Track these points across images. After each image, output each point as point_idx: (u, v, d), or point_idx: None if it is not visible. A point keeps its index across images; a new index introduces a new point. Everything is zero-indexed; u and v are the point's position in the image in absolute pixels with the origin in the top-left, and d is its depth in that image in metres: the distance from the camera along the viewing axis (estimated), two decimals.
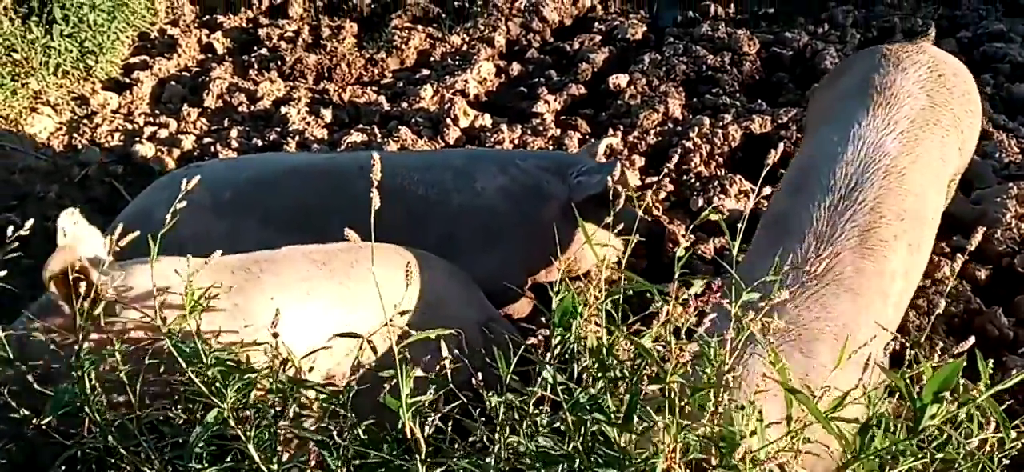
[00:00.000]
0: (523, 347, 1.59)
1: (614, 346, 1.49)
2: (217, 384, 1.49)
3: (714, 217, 1.68)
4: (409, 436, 1.17)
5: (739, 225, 1.64)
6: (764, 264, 2.11)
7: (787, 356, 2.08)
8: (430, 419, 1.85)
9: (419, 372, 1.87)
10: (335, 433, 1.68)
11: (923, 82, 2.74)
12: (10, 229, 1.93)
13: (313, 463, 1.45)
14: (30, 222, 2.00)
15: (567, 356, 1.62)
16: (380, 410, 1.86)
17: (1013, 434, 1.30)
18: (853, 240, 2.33)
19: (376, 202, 1.32)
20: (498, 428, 1.56)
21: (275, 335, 1.60)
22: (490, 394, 1.66)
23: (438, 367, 1.79)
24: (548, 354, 1.60)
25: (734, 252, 1.63)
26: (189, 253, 2.26)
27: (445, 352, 1.81)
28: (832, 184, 2.42)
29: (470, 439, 1.72)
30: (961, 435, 1.30)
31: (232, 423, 1.42)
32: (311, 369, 2.01)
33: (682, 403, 1.30)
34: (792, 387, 1.27)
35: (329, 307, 2.45)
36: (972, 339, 1.27)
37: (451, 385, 1.79)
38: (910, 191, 2.46)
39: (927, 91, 2.72)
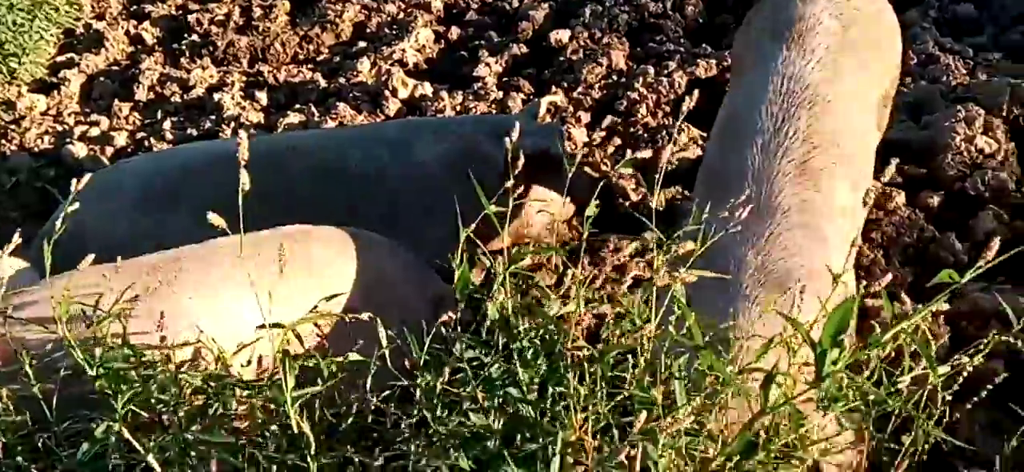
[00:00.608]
0: (435, 327, 1.51)
1: (525, 316, 1.41)
2: (109, 395, 1.39)
3: (626, 170, 1.59)
4: (296, 429, 1.08)
5: (657, 175, 1.55)
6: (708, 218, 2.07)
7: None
8: (366, 405, 1.77)
9: (355, 356, 1.78)
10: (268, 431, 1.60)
11: (831, 9, 2.70)
12: None
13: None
14: None
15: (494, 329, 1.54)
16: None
17: (944, 369, 1.23)
18: (791, 173, 2.29)
19: (246, 182, 1.20)
20: (418, 410, 1.47)
21: (162, 338, 1.50)
22: (422, 375, 1.57)
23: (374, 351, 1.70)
24: (475, 330, 1.52)
25: (653, 202, 1.55)
26: (121, 253, 2.16)
27: (383, 336, 1.72)
28: (760, 126, 2.38)
29: (397, 422, 1.64)
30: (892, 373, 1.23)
31: (127, 434, 1.32)
32: (249, 362, 1.92)
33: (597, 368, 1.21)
34: (699, 343, 1.20)
35: (261, 298, 2.36)
36: (888, 277, 1.19)
37: (392, 369, 1.70)
38: (839, 117, 2.43)
39: (836, 16, 2.68)
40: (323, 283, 2.54)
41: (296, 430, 1.07)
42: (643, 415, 1.00)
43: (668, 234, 3.36)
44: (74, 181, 1.83)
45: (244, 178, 1.17)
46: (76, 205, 1.79)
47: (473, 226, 3.31)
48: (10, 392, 1.90)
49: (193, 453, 1.58)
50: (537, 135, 3.15)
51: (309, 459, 1.07)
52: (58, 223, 1.78)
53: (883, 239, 3.13)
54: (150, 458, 1.32)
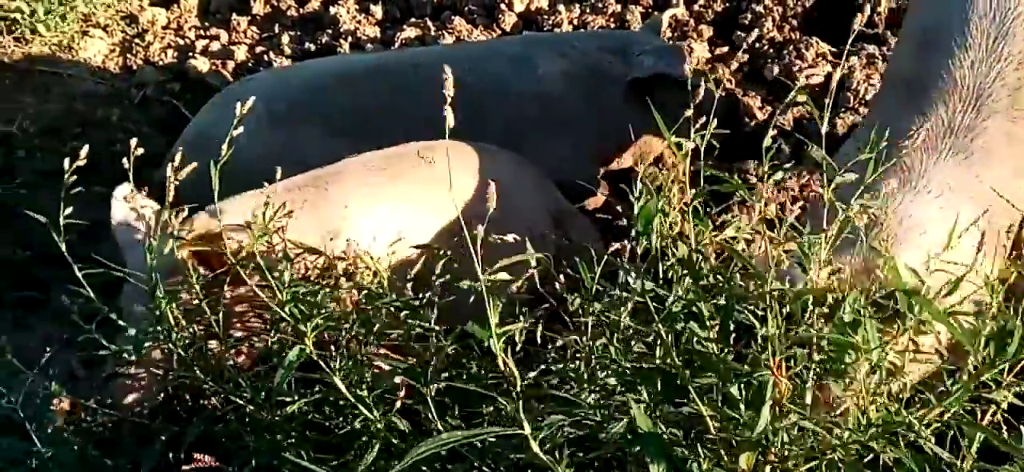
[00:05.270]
0: (607, 255, 1.50)
1: (701, 247, 1.38)
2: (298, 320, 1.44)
3: (801, 98, 1.53)
4: (502, 367, 1.10)
5: (827, 100, 1.49)
6: (900, 127, 1.94)
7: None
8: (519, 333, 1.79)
9: (504, 276, 1.79)
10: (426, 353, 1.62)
11: None
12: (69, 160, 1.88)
13: (403, 394, 1.40)
14: (85, 149, 1.93)
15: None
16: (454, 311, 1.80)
17: None
18: (1003, 102, 2.08)
19: (450, 121, 1.19)
20: (583, 337, 1.48)
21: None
22: (574, 298, 1.57)
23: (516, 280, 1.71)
24: (637, 262, 1.50)
25: (822, 126, 1.48)
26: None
27: (531, 256, 1.72)
28: (969, 41, 2.14)
29: (557, 345, 1.65)
30: None
31: (315, 357, 1.37)
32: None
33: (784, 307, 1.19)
34: (908, 289, 1.15)
35: (396, 212, 2.42)
36: None
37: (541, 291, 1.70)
38: None
39: None
40: (446, 194, 2.59)
41: (501, 368, 1.09)
42: (832, 355, 0.98)
43: (800, 155, 3.24)
44: (239, 105, 1.87)
45: (449, 115, 1.16)
46: (239, 131, 1.83)
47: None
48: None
49: (367, 374, 1.62)
50: (661, 55, 3.09)
51: (514, 395, 1.08)
52: (225, 147, 1.82)
53: None
54: (336, 380, 1.37)
